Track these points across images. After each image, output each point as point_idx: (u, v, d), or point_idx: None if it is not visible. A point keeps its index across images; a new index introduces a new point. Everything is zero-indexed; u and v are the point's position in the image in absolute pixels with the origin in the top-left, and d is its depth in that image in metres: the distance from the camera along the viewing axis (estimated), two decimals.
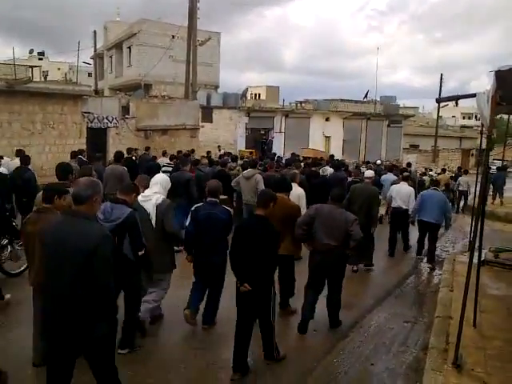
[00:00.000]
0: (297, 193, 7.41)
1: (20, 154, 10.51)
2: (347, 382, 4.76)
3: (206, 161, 13.44)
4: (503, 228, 14.25)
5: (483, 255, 8.71)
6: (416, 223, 9.84)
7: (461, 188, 18.12)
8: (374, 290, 7.92)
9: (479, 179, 7.82)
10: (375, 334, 5.98)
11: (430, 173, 22.48)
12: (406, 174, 11.53)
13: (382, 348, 5.58)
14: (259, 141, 30.59)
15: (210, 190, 5.64)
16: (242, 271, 4.68)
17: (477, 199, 6.40)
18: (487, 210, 15.20)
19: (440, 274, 8.78)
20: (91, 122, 19.03)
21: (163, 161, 13.35)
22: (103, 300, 3.22)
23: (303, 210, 6.69)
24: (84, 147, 18.46)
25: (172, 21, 32.15)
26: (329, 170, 13.44)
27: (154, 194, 5.46)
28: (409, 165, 18.42)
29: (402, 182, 10.57)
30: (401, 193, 10.06)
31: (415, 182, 15.00)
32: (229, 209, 5.75)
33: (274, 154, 20.37)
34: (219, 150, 20.70)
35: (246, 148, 26.93)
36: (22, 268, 6.94)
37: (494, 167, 23.56)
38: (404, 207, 9.96)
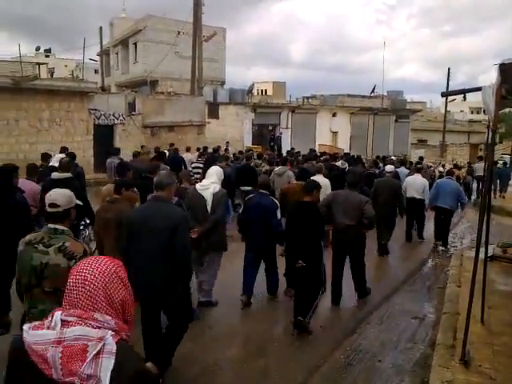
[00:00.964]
0: (324, 183, 8.07)
1: (65, 150, 11.41)
2: (354, 379, 4.76)
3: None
4: None
5: (491, 250, 8.69)
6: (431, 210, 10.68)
7: (477, 174, 18.42)
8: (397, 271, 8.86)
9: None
10: (383, 330, 5.99)
11: (440, 169, 22.61)
12: (419, 165, 12.28)
13: (389, 344, 5.59)
14: (266, 137, 30.54)
15: (262, 184, 6.66)
16: (296, 250, 5.51)
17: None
18: (496, 204, 15.26)
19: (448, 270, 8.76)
20: (98, 119, 19.13)
21: (187, 156, 13.87)
22: (181, 267, 3.95)
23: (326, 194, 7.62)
24: (91, 144, 18.59)
25: (177, 17, 32.19)
26: (346, 164, 14.14)
27: (211, 183, 6.05)
28: (421, 159, 18.75)
29: (415, 174, 11.07)
30: (415, 184, 10.60)
31: (429, 175, 15.49)
32: (275, 200, 6.63)
33: (293, 149, 20.46)
34: (227, 147, 20.69)
35: (253, 144, 26.88)
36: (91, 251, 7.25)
37: (501, 162, 23.66)
38: (418, 197, 10.47)
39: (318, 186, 5.88)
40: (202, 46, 24.61)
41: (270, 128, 30.91)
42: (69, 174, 6.62)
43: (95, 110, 19.00)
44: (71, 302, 1.62)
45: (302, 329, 5.51)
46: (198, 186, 6.10)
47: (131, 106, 20.67)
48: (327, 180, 8.80)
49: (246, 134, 28.36)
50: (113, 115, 19.75)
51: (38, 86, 16.92)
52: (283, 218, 6.26)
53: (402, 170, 13.39)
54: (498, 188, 19.78)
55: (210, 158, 11.79)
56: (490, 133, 5.21)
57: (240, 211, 6.98)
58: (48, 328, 1.58)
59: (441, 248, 10.39)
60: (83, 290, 1.61)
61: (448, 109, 42.20)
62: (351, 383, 4.69)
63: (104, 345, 1.54)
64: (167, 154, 12.73)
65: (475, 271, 4.69)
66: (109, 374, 1.49)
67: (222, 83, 37.51)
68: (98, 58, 41.59)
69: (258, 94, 41.42)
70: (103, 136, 19.18)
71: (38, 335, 1.58)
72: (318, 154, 18.00)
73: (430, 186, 11.39)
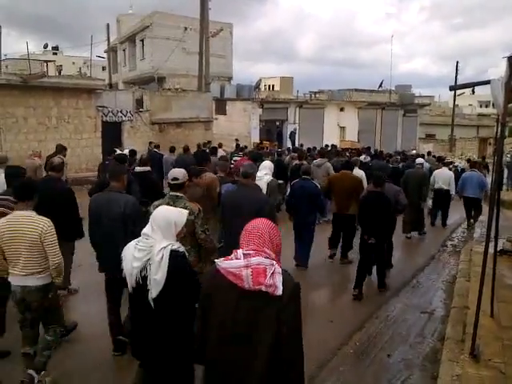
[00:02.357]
0: (359, 173, 9.89)
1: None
2: (363, 373, 4.77)
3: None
4: None
5: (501, 245, 8.65)
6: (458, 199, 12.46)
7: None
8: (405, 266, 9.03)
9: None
10: (392, 325, 5.99)
11: (456, 164, 22.81)
12: (446, 161, 14.49)
13: (399, 339, 5.59)
14: (274, 132, 30.52)
15: (304, 171, 8.07)
16: (369, 230, 6.84)
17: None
18: (506, 199, 15.16)
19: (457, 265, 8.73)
20: (106, 116, 19.18)
21: (220, 152, 14.40)
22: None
23: (364, 183, 9.37)
24: (99, 141, 18.66)
25: (184, 13, 32.20)
26: (368, 158, 15.45)
27: (264, 175, 7.44)
28: (429, 153, 19.03)
29: (443, 167, 12.34)
30: (442, 176, 11.75)
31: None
32: (316, 183, 8.16)
33: (301, 145, 20.87)
34: (237, 143, 20.73)
35: (260, 139, 26.87)
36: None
37: (510, 155, 23.64)
38: (445, 188, 11.62)
39: (385, 179, 7.26)
40: (208, 42, 24.58)
41: (278, 123, 30.89)
42: (148, 168, 7.98)
43: (103, 107, 19.04)
44: (248, 242, 2.47)
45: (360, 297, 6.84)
46: None
47: (139, 103, 20.70)
48: (361, 171, 10.37)
49: (253, 129, 28.34)
50: (120, 112, 19.79)
51: (46, 84, 16.98)
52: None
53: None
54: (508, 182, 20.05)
55: (264, 154, 13.69)
56: (500, 126, 5.17)
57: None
58: (236, 259, 2.42)
59: (470, 229, 11.95)
60: (257, 234, 2.48)
61: (456, 103, 41.89)
62: (360, 377, 4.70)
63: (275, 268, 2.38)
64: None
65: (484, 265, 4.68)
66: (281, 283, 2.34)
67: (230, 79, 37.50)
68: (105, 55, 41.68)
69: (265, 89, 41.38)
70: (111, 133, 19.21)
71: (231, 263, 2.41)
72: (341, 149, 19.22)
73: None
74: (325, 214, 9.18)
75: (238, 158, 12.59)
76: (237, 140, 21.65)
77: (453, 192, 11.80)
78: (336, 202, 8.49)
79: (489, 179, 19.49)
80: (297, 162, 11.98)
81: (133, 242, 3.14)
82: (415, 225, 10.84)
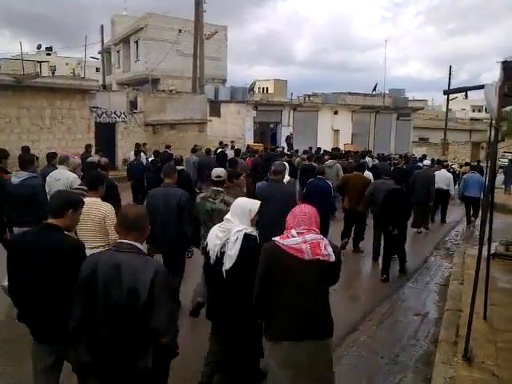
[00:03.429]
0: (368, 175, 10.52)
1: (139, 147, 14.81)
2: (356, 376, 4.77)
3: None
4: None
5: (494, 248, 8.69)
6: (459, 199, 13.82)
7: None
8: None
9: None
10: (385, 327, 6.00)
11: (453, 166, 23.50)
12: (445, 163, 15.34)
13: (392, 341, 5.59)
14: (267, 134, 30.56)
15: (319, 171, 8.76)
16: (392, 222, 7.73)
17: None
18: (499, 203, 15.28)
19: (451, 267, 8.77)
20: (99, 117, 19.14)
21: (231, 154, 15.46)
22: None
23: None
24: (93, 142, 18.60)
25: (179, 15, 32.16)
26: (376, 161, 16.70)
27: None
28: (424, 156, 19.57)
29: (441, 169, 13.22)
30: (441, 177, 12.57)
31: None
32: (329, 182, 8.66)
33: (297, 151, 21.07)
34: (232, 146, 20.81)
35: (255, 142, 26.89)
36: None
37: (506, 160, 23.99)
38: (444, 188, 12.52)
39: (405, 178, 8.73)
40: (203, 44, 24.59)
41: (272, 126, 30.93)
42: (182, 167, 8.93)
43: (97, 107, 19.00)
44: (299, 223, 3.22)
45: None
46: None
47: (133, 104, 20.67)
48: (370, 173, 11.21)
49: (247, 131, 28.38)
50: (114, 113, 19.76)
51: (40, 84, 16.92)
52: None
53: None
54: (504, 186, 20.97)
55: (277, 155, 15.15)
56: (493, 131, 5.20)
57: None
58: (293, 237, 3.17)
59: (471, 226, 12.99)
60: (305, 216, 3.26)
61: (450, 107, 42.13)
62: (353, 380, 4.69)
63: (325, 241, 3.20)
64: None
65: (478, 268, 4.70)
66: (332, 252, 3.16)
67: (224, 81, 37.52)
68: (99, 56, 41.61)
69: (259, 92, 41.41)
70: (105, 134, 19.18)
71: (289, 241, 3.16)
72: (343, 151, 19.76)
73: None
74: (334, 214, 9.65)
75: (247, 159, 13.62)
76: (232, 142, 21.70)
77: (452, 192, 13.01)
78: (348, 199, 9.35)
79: None
80: (306, 162, 13.00)
81: (217, 225, 3.93)
82: (422, 220, 11.90)
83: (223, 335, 3.98)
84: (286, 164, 8.30)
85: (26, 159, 6.33)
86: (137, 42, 35.47)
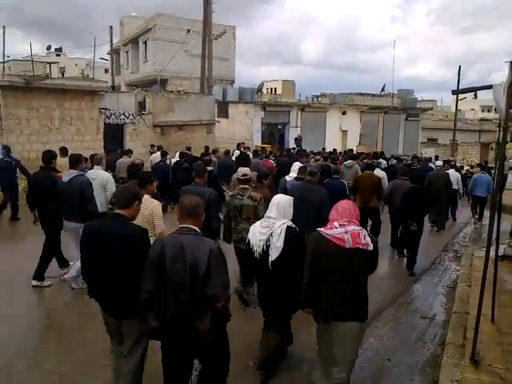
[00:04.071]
0: (382, 174, 11.08)
1: (159, 148, 15.51)
2: (363, 378, 4.77)
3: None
4: None
5: (502, 250, 8.65)
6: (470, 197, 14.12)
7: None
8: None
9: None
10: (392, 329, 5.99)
11: (467, 167, 24.52)
12: (452, 163, 16.27)
13: (399, 343, 5.59)
14: (276, 135, 30.57)
15: (334, 171, 9.35)
16: (412, 218, 8.35)
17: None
18: (508, 204, 15.15)
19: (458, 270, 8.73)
20: (108, 118, 19.19)
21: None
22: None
23: (384, 182, 10.55)
24: (101, 143, 18.70)
25: (187, 15, 32.25)
26: (394, 161, 17.19)
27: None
28: (436, 157, 20.25)
29: (450, 169, 13.87)
30: (451, 177, 12.91)
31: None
32: (344, 181, 9.11)
33: (323, 149, 22.36)
34: (242, 147, 20.94)
35: (262, 143, 26.92)
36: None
37: None
38: (453, 187, 13.05)
39: (422, 177, 9.98)
40: (211, 45, 24.62)
41: (280, 127, 30.93)
42: (211, 168, 9.91)
43: (105, 109, 19.06)
44: (341, 216, 3.74)
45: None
46: (287, 177, 8.77)
47: (141, 105, 20.72)
48: (383, 172, 11.70)
49: (255, 132, 28.40)
50: (123, 114, 19.81)
51: (49, 85, 16.98)
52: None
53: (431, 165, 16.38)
54: None
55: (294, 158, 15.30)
56: (502, 131, 5.18)
57: None
58: (335, 228, 3.68)
59: (478, 223, 13.61)
60: (346, 210, 3.78)
61: (459, 107, 41.87)
62: (360, 383, 4.70)
63: (364, 232, 3.69)
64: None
65: (485, 270, 4.68)
66: (370, 242, 3.66)
67: (232, 82, 37.56)
68: (108, 57, 41.80)
69: (267, 92, 41.42)
70: (113, 135, 19.23)
71: (333, 232, 3.67)
72: (357, 153, 20.29)
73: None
74: None
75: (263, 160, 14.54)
76: (243, 144, 21.86)
77: (461, 191, 13.81)
78: (360, 197, 9.64)
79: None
80: (322, 162, 13.37)
81: (258, 223, 4.51)
82: (444, 220, 12.75)
83: (272, 319, 4.61)
84: (301, 164, 9.17)
85: (75, 159, 6.86)
86: (145, 43, 35.60)
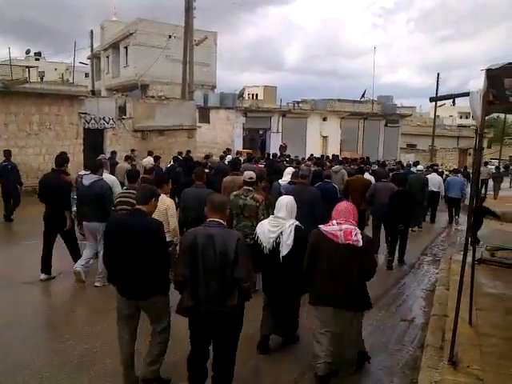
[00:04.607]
0: (370, 178, 11.62)
1: (151, 154, 15.76)
2: (343, 381, 4.79)
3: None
4: (501, 227, 14.30)
5: (480, 254, 8.80)
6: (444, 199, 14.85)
7: (482, 177, 21.16)
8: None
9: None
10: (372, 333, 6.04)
11: (446, 173, 24.26)
12: (435, 167, 17.60)
13: (379, 346, 5.63)
14: (258, 141, 30.62)
15: (326, 176, 9.53)
16: (398, 218, 9.12)
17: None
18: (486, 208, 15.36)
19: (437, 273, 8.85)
20: (88, 123, 19.04)
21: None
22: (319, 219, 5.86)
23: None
24: (81, 148, 18.53)
25: (169, 20, 32.18)
26: (376, 167, 17.19)
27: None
28: (418, 162, 20.23)
29: (433, 173, 14.90)
30: (433, 180, 14.11)
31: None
32: (335, 185, 9.43)
33: (312, 155, 22.53)
34: (225, 153, 21.06)
35: (244, 148, 26.94)
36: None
37: (493, 166, 24.70)
38: (436, 190, 14.03)
39: (407, 181, 10.38)
40: (193, 50, 24.61)
41: (261, 133, 31.00)
42: (212, 172, 11.37)
43: (85, 113, 18.90)
44: (340, 215, 4.31)
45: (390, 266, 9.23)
46: (280, 181, 9.19)
47: (122, 110, 20.59)
48: (372, 176, 12.34)
49: (236, 138, 28.44)
50: (103, 119, 19.68)
51: (28, 90, 16.81)
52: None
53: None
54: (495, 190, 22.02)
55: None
56: (478, 137, 5.28)
57: None
58: (333, 225, 4.26)
59: (453, 225, 14.57)
60: (345, 211, 4.34)
61: (437, 114, 42.48)
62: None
63: (357, 230, 4.22)
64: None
65: (463, 273, 4.76)
66: (361, 239, 4.18)
67: (213, 87, 37.57)
68: (88, 62, 41.50)
69: (248, 98, 41.50)
70: (93, 140, 19.06)
71: (330, 228, 4.26)
72: (341, 158, 21.28)
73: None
74: None
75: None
76: (228, 150, 22.01)
77: (442, 193, 14.43)
78: (352, 200, 9.61)
79: (469, 189, 20.82)
80: (315, 167, 13.69)
81: (266, 221, 5.16)
82: (418, 220, 13.23)
83: (277, 304, 5.21)
84: (293, 169, 9.69)
85: (95, 165, 7.58)
86: (126, 48, 35.42)
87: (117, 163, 14.79)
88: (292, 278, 4.93)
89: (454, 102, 40.59)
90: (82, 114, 18.75)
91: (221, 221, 4.02)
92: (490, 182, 22.45)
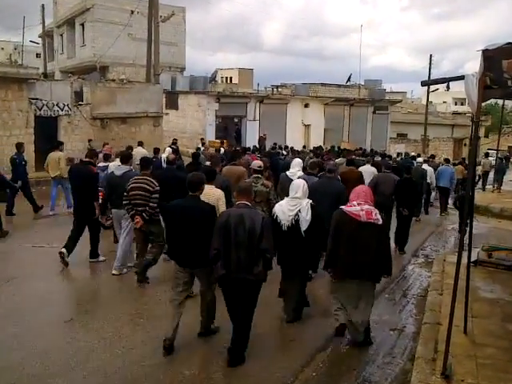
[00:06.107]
0: (372, 169, 12.61)
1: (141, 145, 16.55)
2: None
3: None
4: (498, 225, 14.54)
5: (476, 254, 8.88)
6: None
7: (484, 169, 23.34)
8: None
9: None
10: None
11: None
12: (425, 158, 18.24)
13: (366, 359, 5.65)
14: (232, 129, 30.49)
15: (329, 169, 9.64)
16: (404, 204, 10.57)
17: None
18: (481, 205, 15.65)
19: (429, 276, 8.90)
20: (40, 110, 18.75)
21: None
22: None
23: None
24: (32, 138, 18.22)
25: None
26: (379, 158, 18.09)
27: (297, 171, 9.85)
28: (419, 155, 21.73)
29: (424, 165, 15.94)
30: (428, 172, 15.33)
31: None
32: (339, 176, 10.23)
33: (304, 147, 23.86)
34: (202, 144, 21.03)
35: (216, 138, 26.79)
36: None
37: (492, 157, 25.26)
38: (427, 181, 15.16)
39: (411, 168, 12.47)
40: (158, 28, 24.35)
41: (236, 120, 30.90)
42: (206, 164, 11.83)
43: (36, 99, 18.60)
44: (358, 197, 5.68)
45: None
46: (288, 173, 9.87)
47: (78, 95, 20.34)
48: (374, 168, 12.91)
49: (208, 126, 28.29)
50: (57, 105, 19.39)
51: None
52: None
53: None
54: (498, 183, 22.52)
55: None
56: (474, 125, 5.28)
57: None
58: (354, 206, 5.60)
59: (443, 214, 16.16)
60: (363, 193, 5.75)
61: (430, 100, 42.91)
62: None
63: (376, 211, 5.59)
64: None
65: (457, 277, 4.78)
66: (380, 218, 5.58)
67: (182, 70, 37.40)
68: (39, 41, 40.81)
69: (222, 82, 41.37)
70: (46, 129, 18.78)
71: (351, 209, 5.61)
72: (338, 149, 22.87)
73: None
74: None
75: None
76: (202, 139, 21.97)
77: (433, 184, 15.91)
78: (347, 191, 10.28)
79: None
80: (315, 159, 13.99)
81: (284, 202, 6.48)
82: (418, 211, 14.50)
83: (293, 273, 6.48)
84: (300, 160, 10.71)
85: (126, 156, 8.91)
86: (83, 25, 34.96)
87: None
88: (309, 250, 6.23)
89: (448, 87, 41.19)
90: (33, 99, 18.46)
91: (247, 203, 5.39)
92: (490, 175, 22.90)
